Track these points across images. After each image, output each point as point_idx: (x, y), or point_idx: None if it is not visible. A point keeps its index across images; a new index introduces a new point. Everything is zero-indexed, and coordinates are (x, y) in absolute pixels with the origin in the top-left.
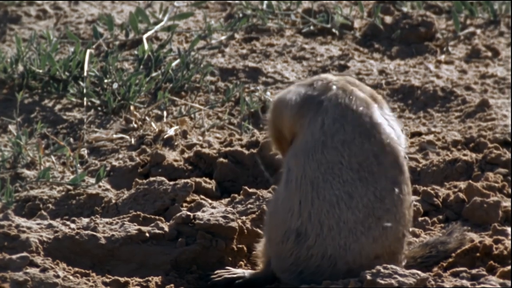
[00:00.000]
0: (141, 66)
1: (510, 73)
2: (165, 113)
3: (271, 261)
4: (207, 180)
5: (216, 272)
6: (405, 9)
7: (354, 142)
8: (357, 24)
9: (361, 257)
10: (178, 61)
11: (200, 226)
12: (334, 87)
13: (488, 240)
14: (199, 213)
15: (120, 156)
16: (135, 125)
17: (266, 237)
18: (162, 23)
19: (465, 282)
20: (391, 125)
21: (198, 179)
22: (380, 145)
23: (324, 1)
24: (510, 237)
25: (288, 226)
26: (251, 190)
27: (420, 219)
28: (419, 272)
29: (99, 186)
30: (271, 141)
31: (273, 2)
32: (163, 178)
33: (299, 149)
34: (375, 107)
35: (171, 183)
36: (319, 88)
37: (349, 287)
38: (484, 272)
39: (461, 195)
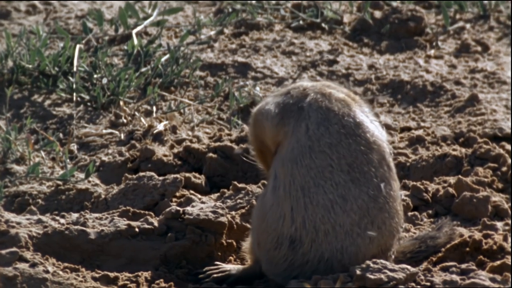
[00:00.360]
0: (131, 61)
1: (499, 67)
2: (154, 108)
3: (262, 265)
4: (197, 175)
5: (205, 269)
6: (394, 4)
7: (341, 144)
8: (346, 18)
9: (358, 259)
10: (167, 56)
11: (190, 221)
12: (311, 92)
13: (477, 235)
14: (188, 208)
15: (110, 151)
16: (125, 120)
17: (254, 240)
18: (151, 18)
19: (454, 277)
20: (372, 122)
21: (187, 174)
22: (366, 143)
23: None
24: (499, 232)
25: (280, 233)
26: (240, 185)
27: (409, 214)
28: (408, 267)
29: (89, 181)
30: (255, 154)
31: None
32: (152, 173)
33: (285, 157)
34: (356, 106)
35: (161, 178)
36: (297, 95)
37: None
38: (474, 267)
39: (450, 190)
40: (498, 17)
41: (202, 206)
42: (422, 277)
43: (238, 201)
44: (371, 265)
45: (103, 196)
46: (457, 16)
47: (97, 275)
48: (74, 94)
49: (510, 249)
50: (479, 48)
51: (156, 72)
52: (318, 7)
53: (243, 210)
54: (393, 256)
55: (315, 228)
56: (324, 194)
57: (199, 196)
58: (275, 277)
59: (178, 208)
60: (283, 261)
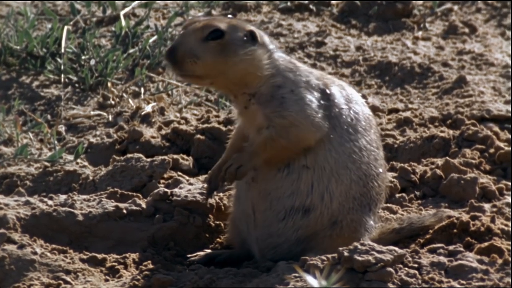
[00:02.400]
0: (119, 43)
1: (487, 49)
2: (142, 90)
3: None
4: (185, 156)
5: (195, 254)
6: None
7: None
8: (334, 0)
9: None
10: (155, 37)
11: (177, 203)
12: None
13: (465, 217)
14: (176, 190)
15: (98, 133)
16: (113, 102)
17: None
18: (139, 0)
19: (442, 259)
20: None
21: (175, 156)
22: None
23: None
24: (487, 214)
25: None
26: None
27: (397, 195)
28: (396, 248)
29: (77, 163)
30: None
31: None
32: (140, 155)
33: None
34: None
35: (149, 159)
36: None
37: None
38: (461, 249)
39: (438, 171)
40: None
41: (190, 188)
42: (410, 259)
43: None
44: (359, 246)
45: (91, 178)
46: None
47: (85, 257)
48: (62, 75)
49: (497, 231)
50: (466, 30)
51: (144, 54)
52: None
53: (231, 192)
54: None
55: None
56: None
57: (187, 177)
58: None
59: (166, 189)
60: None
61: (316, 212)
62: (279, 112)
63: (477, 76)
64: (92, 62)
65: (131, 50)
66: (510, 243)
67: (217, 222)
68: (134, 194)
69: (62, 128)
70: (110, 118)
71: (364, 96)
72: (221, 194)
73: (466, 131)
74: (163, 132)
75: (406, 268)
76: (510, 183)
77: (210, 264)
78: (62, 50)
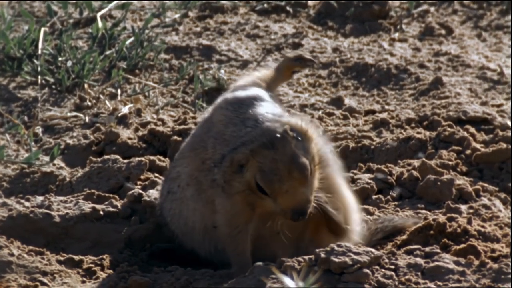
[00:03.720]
0: (95, 44)
1: (463, 51)
2: (119, 91)
3: None
4: (161, 158)
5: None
6: None
7: None
8: (311, 2)
9: None
10: (132, 39)
11: (147, 204)
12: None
13: (441, 218)
14: (150, 191)
15: (75, 134)
16: (89, 103)
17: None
18: (116, 1)
19: (419, 260)
20: None
21: (152, 157)
22: None
23: None
24: (463, 215)
25: None
26: None
27: (374, 197)
28: (373, 250)
29: (54, 165)
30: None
31: None
32: (117, 156)
33: None
34: None
35: (125, 161)
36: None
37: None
38: (438, 250)
39: (414, 173)
40: (462, 0)
41: None
42: (387, 260)
43: None
44: (336, 248)
45: (68, 179)
46: None
47: (62, 258)
48: (39, 77)
49: (474, 232)
50: (443, 31)
51: (120, 55)
52: None
53: None
54: None
55: None
56: None
57: (164, 179)
58: None
59: (140, 191)
60: None
61: None
62: None
63: (453, 77)
64: (69, 63)
65: (108, 52)
66: (486, 244)
67: None
68: (111, 195)
69: (39, 130)
70: (87, 119)
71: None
72: None
73: (442, 132)
74: (140, 133)
75: (383, 270)
76: (486, 185)
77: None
78: (39, 52)
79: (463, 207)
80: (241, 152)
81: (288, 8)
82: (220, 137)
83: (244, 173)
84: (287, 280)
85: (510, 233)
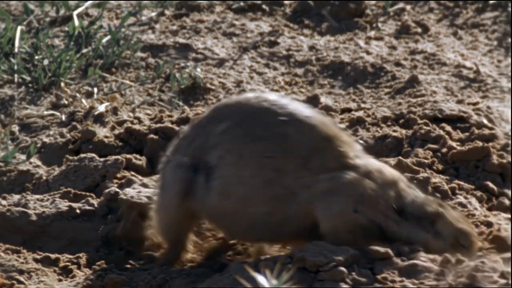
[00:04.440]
0: (72, 43)
1: (439, 49)
2: (95, 90)
3: None
4: (138, 156)
5: None
6: None
7: None
8: (287, 0)
9: None
10: (108, 37)
11: (124, 203)
12: None
13: None
14: (127, 190)
15: (51, 132)
16: (66, 102)
17: None
18: (92, 0)
19: (395, 258)
20: None
21: (128, 156)
22: None
23: None
24: None
25: None
26: None
27: None
28: (348, 248)
29: (30, 163)
30: None
31: None
32: (93, 155)
33: None
34: None
35: (102, 159)
36: None
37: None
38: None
39: None
40: None
41: (141, 190)
42: (363, 258)
43: None
44: (311, 246)
45: (44, 178)
46: None
47: (38, 257)
48: (16, 75)
49: None
50: (419, 30)
51: (97, 54)
52: None
53: None
54: None
55: None
56: None
57: (140, 177)
58: None
59: (117, 189)
60: None
61: None
62: None
63: (429, 75)
64: (46, 62)
65: (84, 50)
66: None
67: None
68: (88, 193)
69: (15, 128)
70: (64, 118)
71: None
72: None
73: (418, 130)
74: (116, 132)
75: (359, 268)
76: (462, 183)
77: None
78: (16, 50)
79: None
80: None
81: (264, 6)
82: None
83: None
84: (260, 279)
85: (486, 231)
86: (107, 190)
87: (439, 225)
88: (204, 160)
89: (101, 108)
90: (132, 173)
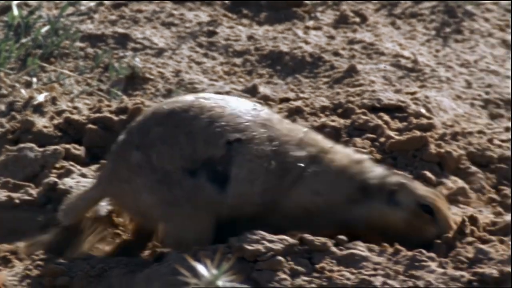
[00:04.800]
0: (11, 33)
1: (378, 38)
2: (34, 80)
3: None
4: (77, 146)
5: None
6: None
7: None
8: None
9: None
10: (47, 27)
11: (62, 192)
12: None
13: None
14: (66, 180)
15: None
16: (5, 92)
17: None
18: None
19: (333, 248)
20: None
21: (67, 146)
22: None
23: None
24: None
25: None
26: None
27: None
28: (287, 237)
29: None
30: None
31: None
32: (32, 145)
33: None
34: None
35: (41, 149)
36: None
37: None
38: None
39: None
40: None
41: (80, 180)
42: (301, 248)
43: None
44: (249, 236)
45: None
46: None
47: None
48: None
49: None
50: (357, 19)
51: (36, 44)
52: None
53: None
54: None
55: None
56: None
57: (79, 167)
58: None
59: (56, 179)
60: None
61: None
62: None
63: (367, 65)
64: None
65: (23, 40)
66: None
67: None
68: (27, 184)
69: None
70: (3, 108)
71: (254, 86)
72: None
73: (356, 120)
74: (55, 122)
75: (297, 257)
76: (400, 172)
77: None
78: None
79: None
80: None
81: None
82: None
83: None
84: (200, 268)
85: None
86: (46, 180)
87: (400, 195)
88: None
89: (40, 98)
90: (71, 163)
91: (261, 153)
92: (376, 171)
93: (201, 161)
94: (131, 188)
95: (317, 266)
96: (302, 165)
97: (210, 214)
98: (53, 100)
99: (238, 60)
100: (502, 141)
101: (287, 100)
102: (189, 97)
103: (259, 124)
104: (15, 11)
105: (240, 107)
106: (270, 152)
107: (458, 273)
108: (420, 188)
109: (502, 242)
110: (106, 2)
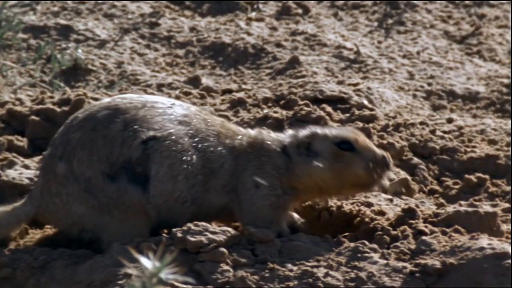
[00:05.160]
0: None
1: (320, 30)
2: None
3: None
4: (19, 138)
5: None
6: None
7: None
8: None
9: None
10: None
11: (5, 184)
12: None
13: None
14: (8, 171)
15: None
16: None
17: None
18: None
19: (276, 240)
20: None
21: (10, 137)
22: None
23: None
24: None
25: None
26: None
27: None
28: (229, 229)
29: None
30: None
31: None
32: None
33: None
34: None
35: None
36: None
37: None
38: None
39: None
40: None
41: (23, 171)
42: (244, 239)
43: None
44: (192, 227)
45: None
46: None
47: None
48: None
49: (330, 210)
50: (300, 11)
51: None
52: None
53: None
54: None
55: None
56: None
57: (22, 158)
58: None
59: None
60: None
61: None
62: None
63: (310, 56)
64: None
65: None
66: (338, 222)
67: None
68: None
69: None
70: None
71: (197, 77)
72: None
73: (299, 111)
74: None
75: (240, 249)
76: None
77: None
78: None
79: None
80: None
81: None
82: None
83: None
84: (143, 260)
85: (366, 212)
86: None
87: (315, 146)
88: None
89: None
90: (14, 154)
91: (180, 148)
92: (286, 133)
93: (119, 164)
94: (61, 202)
95: (259, 257)
96: (229, 158)
97: (141, 216)
98: None
99: (180, 52)
100: (445, 132)
101: (229, 91)
102: (106, 99)
103: (175, 121)
104: None
105: (156, 106)
106: (190, 147)
107: (400, 264)
108: (332, 130)
109: (444, 233)
110: None
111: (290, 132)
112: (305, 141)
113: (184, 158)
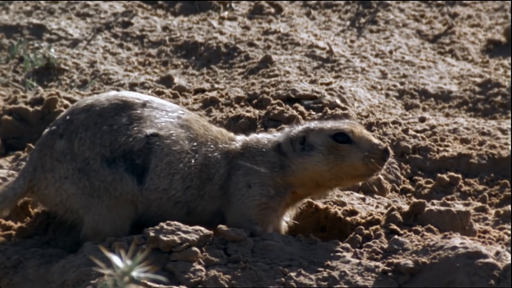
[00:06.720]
0: None
1: (293, 29)
2: None
3: None
4: None
5: None
6: None
7: None
8: None
9: None
10: None
11: None
12: None
13: None
14: None
15: None
16: None
17: None
18: None
19: (248, 239)
20: None
21: None
22: None
23: None
24: None
25: None
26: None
27: None
28: (202, 228)
29: None
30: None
31: None
32: None
33: None
34: None
35: None
36: None
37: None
38: None
39: None
40: None
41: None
42: (216, 239)
43: None
44: (165, 226)
45: None
46: None
47: None
48: None
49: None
50: (272, 10)
51: None
52: None
53: None
54: None
55: None
56: None
57: None
58: None
59: None
60: None
61: None
62: None
63: (282, 56)
64: None
65: None
66: (312, 220)
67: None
68: None
69: None
70: None
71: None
72: None
73: (272, 110)
74: None
75: (212, 248)
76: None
77: None
78: None
79: None
80: None
81: None
82: None
83: None
84: (115, 259)
85: (339, 210)
86: None
87: (311, 139)
88: None
89: None
90: None
91: (179, 149)
92: (280, 133)
93: (120, 151)
94: (53, 177)
95: (232, 256)
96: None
97: (128, 207)
98: None
99: (153, 51)
100: (417, 131)
101: (202, 90)
102: (112, 92)
103: (177, 125)
104: None
105: (164, 109)
106: (190, 150)
107: (373, 263)
108: (328, 123)
109: (417, 232)
110: None
111: (284, 130)
112: (300, 135)
113: (182, 159)
